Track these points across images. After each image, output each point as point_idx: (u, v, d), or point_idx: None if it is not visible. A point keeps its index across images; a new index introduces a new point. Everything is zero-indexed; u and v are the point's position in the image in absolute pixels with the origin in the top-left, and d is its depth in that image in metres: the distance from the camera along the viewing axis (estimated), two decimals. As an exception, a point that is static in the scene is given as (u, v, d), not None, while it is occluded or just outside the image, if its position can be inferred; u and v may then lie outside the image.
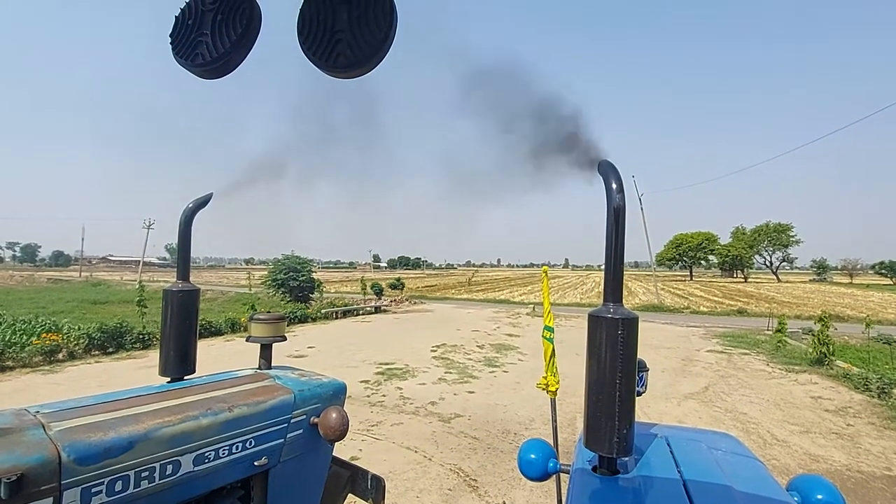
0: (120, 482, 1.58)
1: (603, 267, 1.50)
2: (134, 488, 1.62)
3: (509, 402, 7.54)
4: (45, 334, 11.13)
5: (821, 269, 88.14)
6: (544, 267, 2.88)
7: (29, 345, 10.32)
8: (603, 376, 1.39)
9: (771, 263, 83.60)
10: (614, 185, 1.44)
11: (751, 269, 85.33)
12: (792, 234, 79.03)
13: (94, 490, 1.52)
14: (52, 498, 1.43)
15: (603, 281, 1.46)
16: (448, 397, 7.78)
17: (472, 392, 8.16)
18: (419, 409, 7.07)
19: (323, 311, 19.78)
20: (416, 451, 5.44)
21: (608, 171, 1.47)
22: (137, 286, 15.42)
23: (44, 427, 1.56)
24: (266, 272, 26.05)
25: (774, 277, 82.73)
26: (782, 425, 6.77)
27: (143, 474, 1.64)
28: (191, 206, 2.45)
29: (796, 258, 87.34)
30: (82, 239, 74.67)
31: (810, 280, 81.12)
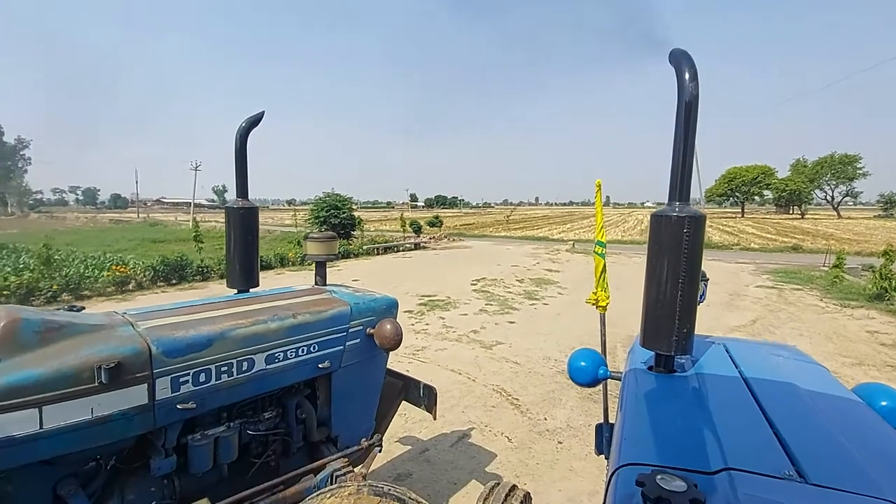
0: (203, 374, 1.74)
1: (669, 168, 1.42)
2: (216, 380, 1.78)
3: (550, 332, 7.67)
4: (114, 266, 12.04)
5: (888, 204, 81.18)
6: (598, 180, 2.78)
7: (101, 277, 11.24)
8: (665, 275, 1.36)
9: (832, 198, 77.82)
10: (687, 75, 1.33)
11: (809, 205, 79.71)
12: (859, 165, 72.53)
13: (181, 379, 1.68)
14: (146, 384, 1.60)
15: (669, 177, 1.39)
16: (489, 327, 7.99)
17: (513, 322, 8.34)
18: (462, 337, 7.32)
19: (365, 247, 20.32)
20: (460, 374, 5.70)
21: (681, 60, 1.36)
22: (192, 225, 16.20)
23: (132, 325, 1.71)
24: (308, 211, 26.71)
25: (835, 213, 77.27)
26: (834, 357, 6.60)
27: (223, 368, 1.80)
28: (244, 124, 2.47)
29: (861, 192, 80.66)
30: (136, 182, 78.38)
31: (875, 216, 75.29)
